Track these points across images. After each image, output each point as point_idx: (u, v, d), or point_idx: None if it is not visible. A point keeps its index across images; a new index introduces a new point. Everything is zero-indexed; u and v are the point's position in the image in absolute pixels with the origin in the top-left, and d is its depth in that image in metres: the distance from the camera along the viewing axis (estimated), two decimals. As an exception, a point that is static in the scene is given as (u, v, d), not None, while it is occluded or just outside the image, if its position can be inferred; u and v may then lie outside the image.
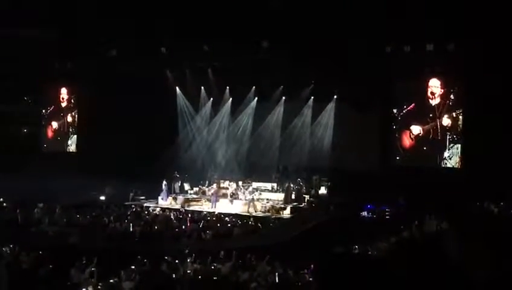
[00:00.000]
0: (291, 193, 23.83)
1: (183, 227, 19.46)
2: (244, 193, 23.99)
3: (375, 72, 24.31)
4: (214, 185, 25.12)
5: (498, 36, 21.62)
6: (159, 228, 19.22)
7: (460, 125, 23.99)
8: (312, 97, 27.16)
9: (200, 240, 18.35)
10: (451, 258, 3.99)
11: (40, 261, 13.15)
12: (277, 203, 23.48)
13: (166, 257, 13.46)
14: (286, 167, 26.63)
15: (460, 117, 23.98)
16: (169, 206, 23.75)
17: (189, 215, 21.44)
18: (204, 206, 23.87)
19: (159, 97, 27.93)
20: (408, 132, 25.14)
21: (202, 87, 29.09)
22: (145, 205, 23.86)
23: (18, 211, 20.34)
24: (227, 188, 24.97)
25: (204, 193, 25.21)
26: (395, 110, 25.47)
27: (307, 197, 24.00)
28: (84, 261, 12.47)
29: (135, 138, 27.62)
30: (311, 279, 11.86)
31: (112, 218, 19.90)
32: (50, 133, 33.56)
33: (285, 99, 27.81)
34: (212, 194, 24.20)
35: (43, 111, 33.74)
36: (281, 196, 24.14)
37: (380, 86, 25.07)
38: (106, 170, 25.92)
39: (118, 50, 28.23)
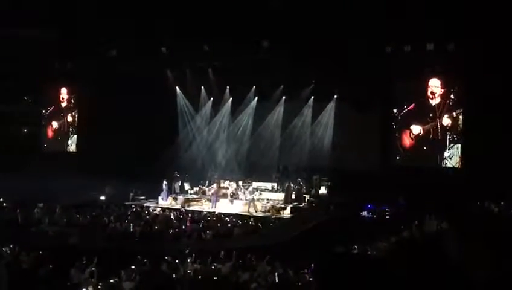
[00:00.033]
0: (292, 193, 23.83)
1: (183, 227, 19.46)
2: (244, 193, 23.99)
3: (375, 72, 24.31)
4: (214, 185, 25.12)
5: (498, 36, 21.61)
6: (159, 228, 19.22)
7: (461, 125, 24.00)
8: (312, 97, 27.17)
9: (200, 240, 18.35)
10: (451, 258, 3.98)
11: (40, 261, 13.15)
12: (277, 203, 23.48)
13: (166, 257, 13.46)
14: (286, 166, 26.63)
15: (461, 117, 23.99)
16: (170, 206, 23.76)
17: (190, 215, 21.43)
18: (205, 206, 23.87)
19: (159, 97, 27.93)
20: (408, 131, 25.14)
21: (202, 87, 29.10)
22: (145, 205, 23.86)
23: (18, 211, 20.34)
24: (227, 188, 24.97)
25: (204, 192, 25.21)
26: (395, 110, 25.47)
27: (307, 197, 24.00)
28: (84, 261, 12.47)
29: (135, 138, 27.63)
30: (311, 279, 11.86)
31: (112, 218, 19.90)
32: (50, 133, 33.57)
33: (285, 99, 27.82)
34: (212, 194, 24.19)
35: (43, 111, 33.76)
36: (281, 195, 24.15)
37: (380, 85, 25.08)
38: (106, 170, 25.93)
39: (118, 50, 28.24)
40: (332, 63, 24.06)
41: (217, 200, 23.67)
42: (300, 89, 27.04)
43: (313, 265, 11.80)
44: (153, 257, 13.33)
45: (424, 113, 24.69)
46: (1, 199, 22.60)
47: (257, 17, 24.02)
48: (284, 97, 27.75)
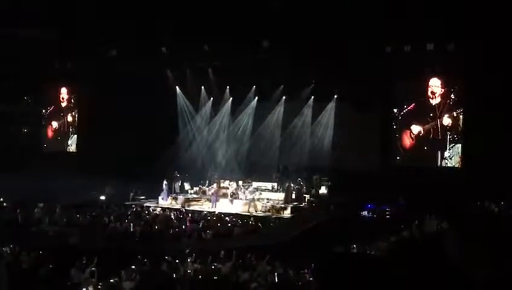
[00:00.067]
0: (292, 193, 23.83)
1: (184, 227, 19.47)
2: (244, 193, 23.99)
3: (375, 72, 24.30)
4: (214, 185, 25.13)
5: (498, 36, 21.61)
6: (159, 227, 19.22)
7: (461, 125, 23.99)
8: (312, 97, 27.15)
9: (200, 239, 18.35)
10: (451, 258, 3.98)
11: (40, 261, 13.16)
12: (277, 203, 23.48)
13: (166, 257, 13.47)
14: (286, 166, 26.62)
15: (461, 117, 23.98)
16: (170, 206, 23.76)
17: (190, 215, 21.44)
18: (205, 206, 23.86)
19: (159, 97, 27.93)
20: (408, 131, 25.14)
21: (202, 87, 29.09)
22: (145, 204, 23.86)
23: (18, 211, 20.35)
24: (227, 188, 24.98)
25: (204, 192, 25.21)
26: (395, 110, 25.47)
27: (307, 197, 24.00)
28: (84, 261, 12.48)
29: (135, 138, 27.64)
30: (311, 279, 11.87)
31: (112, 218, 19.90)
32: (50, 133, 33.57)
33: (285, 99, 27.80)
34: (212, 194, 24.20)
35: (43, 111, 33.75)
36: (281, 195, 24.15)
37: (380, 85, 25.07)
38: (106, 170, 25.93)
39: (118, 50, 28.22)
40: (332, 63, 24.05)
41: (217, 200, 23.68)
42: (301, 89, 27.03)
43: (313, 265, 11.81)
44: (153, 257, 13.33)
45: (424, 113, 24.68)
46: (1, 199, 22.60)
47: (257, 17, 24.01)
48: (284, 97, 27.73)
